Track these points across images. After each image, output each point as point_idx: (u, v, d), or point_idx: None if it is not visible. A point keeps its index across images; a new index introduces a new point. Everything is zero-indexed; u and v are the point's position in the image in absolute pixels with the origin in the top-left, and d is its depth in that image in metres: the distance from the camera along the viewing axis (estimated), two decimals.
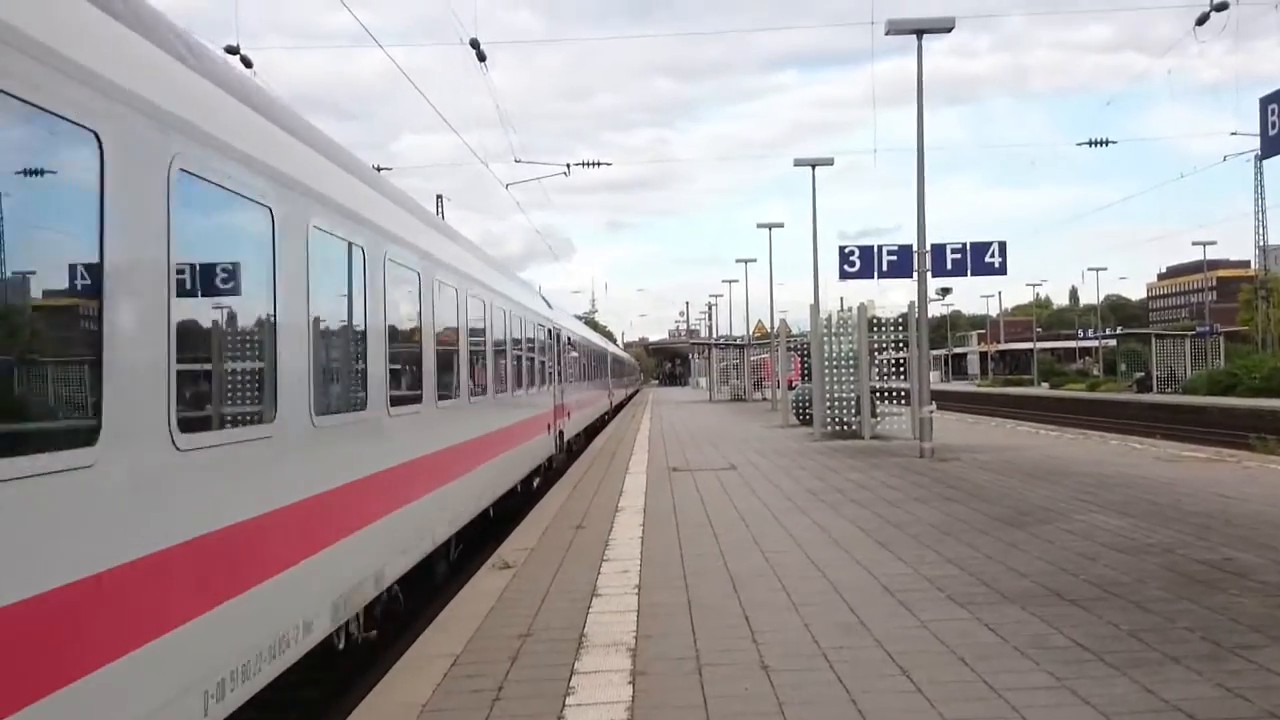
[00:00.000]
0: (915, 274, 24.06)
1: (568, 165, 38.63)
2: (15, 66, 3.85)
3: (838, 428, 29.84)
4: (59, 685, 4.06)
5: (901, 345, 29.22)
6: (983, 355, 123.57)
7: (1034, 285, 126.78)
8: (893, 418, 29.51)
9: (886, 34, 23.20)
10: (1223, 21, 26.73)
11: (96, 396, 4.44)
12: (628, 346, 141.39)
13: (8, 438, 3.91)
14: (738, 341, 76.42)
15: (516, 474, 17.25)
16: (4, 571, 3.79)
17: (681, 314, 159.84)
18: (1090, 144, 38.09)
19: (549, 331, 23.57)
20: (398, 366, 9.64)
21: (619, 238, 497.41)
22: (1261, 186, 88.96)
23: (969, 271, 24.69)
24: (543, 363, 21.82)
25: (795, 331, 46.17)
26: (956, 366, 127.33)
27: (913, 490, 17.02)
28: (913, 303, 26.38)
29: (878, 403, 29.92)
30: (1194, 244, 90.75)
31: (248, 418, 6.29)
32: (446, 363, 11.77)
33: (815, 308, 32.61)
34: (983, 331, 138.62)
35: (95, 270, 4.45)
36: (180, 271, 5.27)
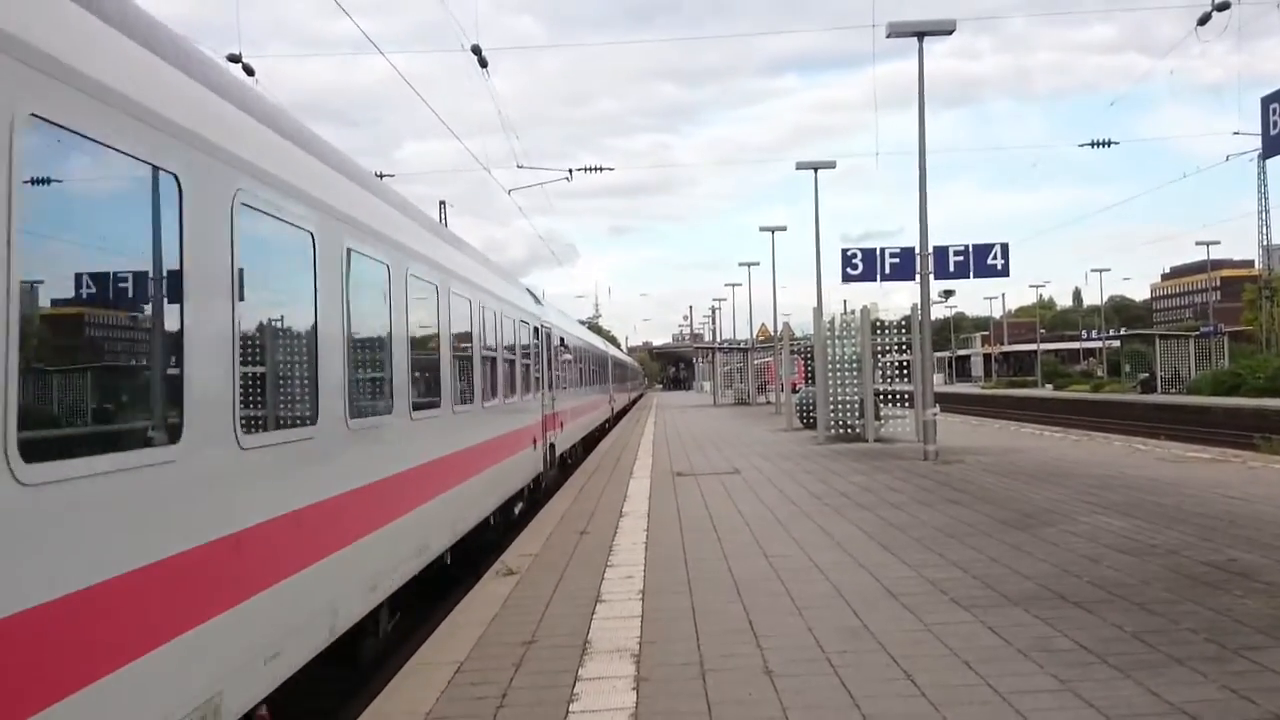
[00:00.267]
0: (918, 276, 24.05)
1: (570, 170, 38.59)
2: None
3: (842, 431, 29.82)
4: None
5: (905, 348, 29.19)
6: (986, 357, 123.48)
7: (1037, 287, 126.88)
8: (897, 420, 29.48)
9: (887, 36, 23.20)
10: (1225, 21, 26.67)
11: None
12: (631, 351, 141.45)
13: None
14: (741, 345, 76.42)
15: (487, 503, 13.93)
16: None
17: (685, 318, 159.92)
18: (1093, 145, 37.95)
19: (535, 330, 20.20)
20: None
21: (622, 242, 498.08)
22: (1265, 186, 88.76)
23: (972, 274, 24.72)
24: (526, 366, 18.34)
25: (799, 335, 46.16)
26: (960, 368, 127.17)
27: (917, 493, 17.00)
28: (916, 305, 26.37)
29: (881, 406, 29.89)
30: (1197, 244, 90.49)
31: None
32: (370, 369, 8.79)
33: (818, 311, 32.61)
34: (986, 333, 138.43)
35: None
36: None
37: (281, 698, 6.46)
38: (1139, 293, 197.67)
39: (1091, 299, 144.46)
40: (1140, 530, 12.57)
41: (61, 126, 4.21)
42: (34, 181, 4.02)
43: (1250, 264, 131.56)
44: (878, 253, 25.62)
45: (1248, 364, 56.79)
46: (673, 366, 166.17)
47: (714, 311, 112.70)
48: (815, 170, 37.36)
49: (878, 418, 29.57)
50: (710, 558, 11.79)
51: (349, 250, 7.99)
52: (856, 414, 29.75)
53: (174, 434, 5.10)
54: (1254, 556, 10.76)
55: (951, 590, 9.64)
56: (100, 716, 4.30)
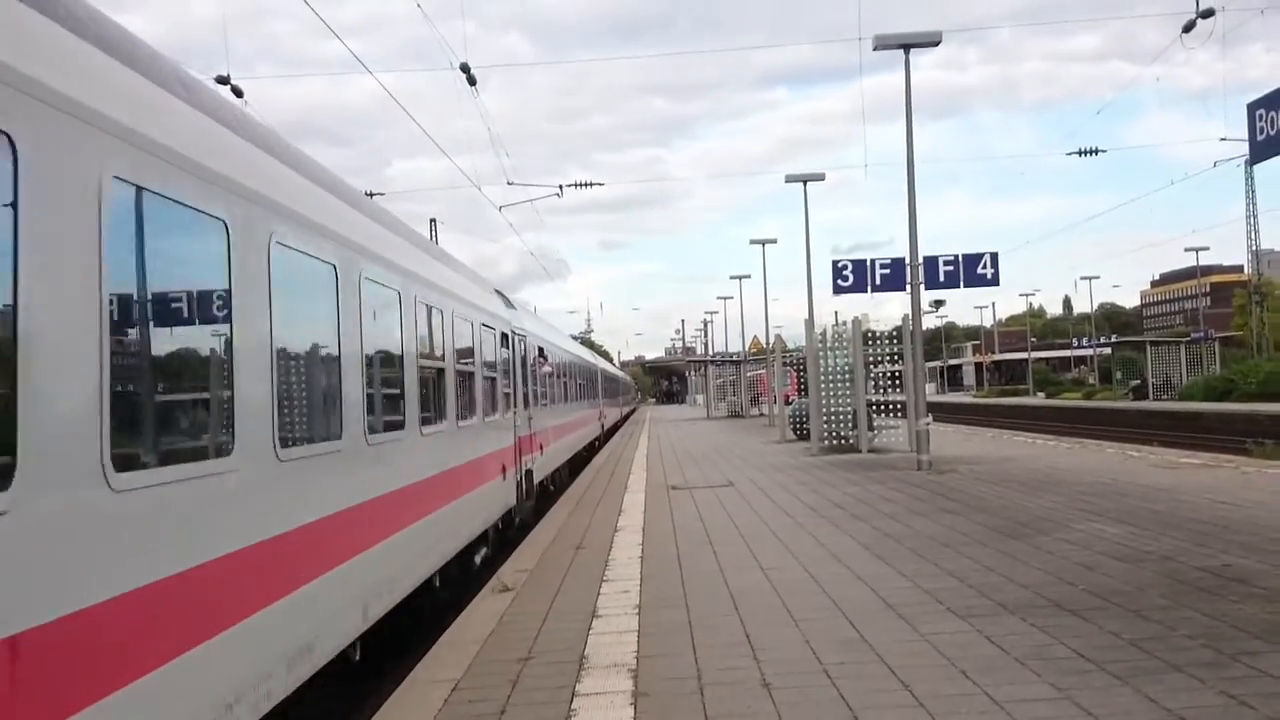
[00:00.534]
0: (909, 287, 24.11)
1: (560, 186, 38.69)
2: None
3: (835, 442, 29.83)
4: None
5: (897, 358, 29.25)
6: (978, 366, 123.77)
7: (1027, 295, 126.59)
8: (890, 431, 29.51)
9: (875, 49, 23.28)
10: (1209, 28, 26.82)
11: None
12: (624, 365, 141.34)
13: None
14: (734, 358, 76.48)
15: (423, 565, 10.50)
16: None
17: (677, 332, 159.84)
18: (1080, 153, 38.24)
19: (504, 338, 16.80)
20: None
21: (613, 257, 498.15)
22: (1252, 191, 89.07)
23: (962, 283, 24.78)
24: (491, 380, 15.01)
25: (791, 346, 46.20)
26: (952, 378, 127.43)
27: (911, 503, 17.00)
28: (907, 315, 26.42)
29: (874, 416, 29.92)
30: (1186, 250, 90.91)
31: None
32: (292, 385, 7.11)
33: (810, 322, 32.64)
34: (977, 342, 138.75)
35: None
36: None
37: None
38: (1129, 300, 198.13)
39: (1082, 306, 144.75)
40: (1135, 537, 12.58)
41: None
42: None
43: (1239, 269, 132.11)
44: (868, 264, 25.67)
45: (1239, 369, 56.93)
46: (665, 380, 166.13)
47: (706, 325, 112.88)
48: (805, 183, 37.45)
49: (871, 428, 29.60)
50: (706, 571, 11.77)
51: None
52: (850, 425, 29.77)
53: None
54: (1249, 561, 10.77)
55: (948, 600, 9.63)
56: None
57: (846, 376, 29.81)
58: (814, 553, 12.66)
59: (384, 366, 9.34)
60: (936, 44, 23.48)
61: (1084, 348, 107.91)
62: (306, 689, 6.98)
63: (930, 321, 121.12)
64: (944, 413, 55.89)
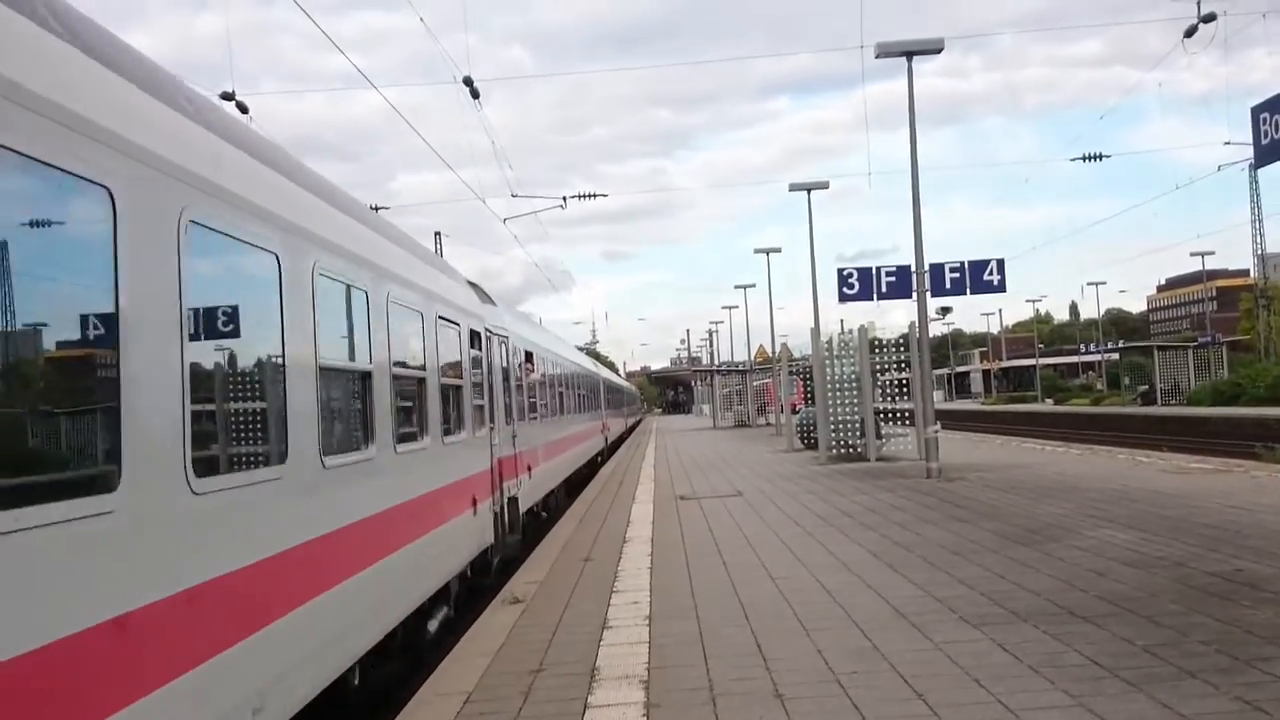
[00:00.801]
0: (914, 294, 24.10)
1: (564, 198, 38.74)
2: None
3: (843, 450, 29.78)
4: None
5: (904, 366, 29.20)
6: (985, 373, 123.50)
7: (1034, 301, 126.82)
8: (898, 439, 29.45)
9: (877, 57, 23.29)
10: (1211, 33, 26.88)
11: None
12: (630, 376, 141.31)
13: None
14: (740, 367, 76.45)
15: (347, 646, 7.74)
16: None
17: (683, 342, 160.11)
18: (1084, 159, 38.34)
19: (478, 338, 13.83)
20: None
21: (618, 268, 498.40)
22: (1257, 195, 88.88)
23: (968, 290, 24.72)
24: (454, 389, 11.93)
25: (797, 355, 46.18)
26: (960, 385, 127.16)
27: (921, 511, 16.97)
28: (913, 323, 26.39)
29: (882, 424, 29.86)
30: (1192, 254, 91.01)
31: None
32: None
33: (816, 331, 32.65)
34: (984, 349, 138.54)
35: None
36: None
37: None
38: (1136, 305, 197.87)
39: (1088, 312, 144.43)
40: (1146, 543, 12.54)
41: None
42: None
43: (1245, 273, 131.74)
44: (873, 271, 25.64)
45: (1247, 373, 56.80)
46: (671, 390, 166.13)
47: (712, 334, 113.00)
48: (809, 191, 37.50)
49: (879, 436, 29.54)
50: (716, 581, 11.75)
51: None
52: (857, 433, 29.72)
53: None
54: (1261, 566, 10.73)
55: (960, 608, 9.61)
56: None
57: (853, 385, 29.78)
58: (824, 562, 12.63)
59: (236, 372, 6.42)
60: (939, 51, 23.49)
61: (1091, 353, 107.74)
62: (319, 702, 6.97)
63: (937, 329, 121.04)
64: (952, 420, 55.80)
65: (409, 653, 9.96)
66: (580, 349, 52.50)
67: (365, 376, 8.45)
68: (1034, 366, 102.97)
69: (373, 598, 8.29)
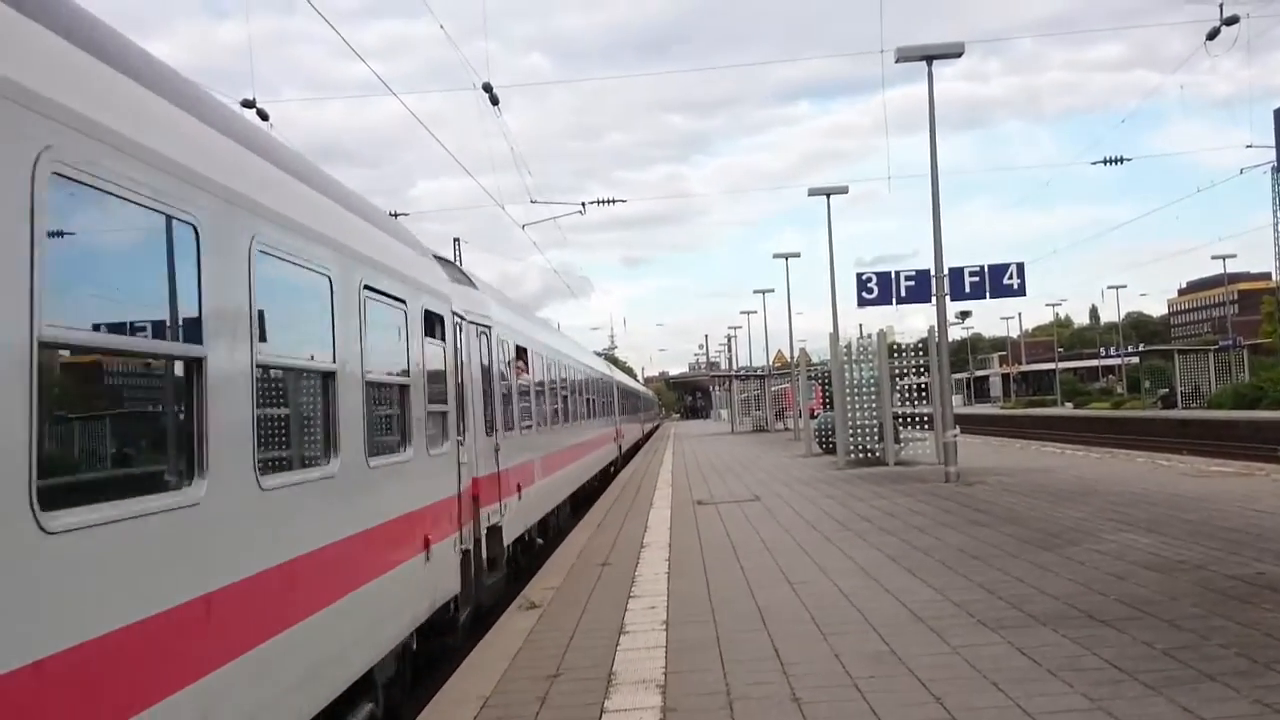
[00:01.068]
0: (934, 298, 24.02)
1: (583, 204, 38.70)
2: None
3: (862, 455, 29.72)
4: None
5: (922, 370, 29.13)
6: (1005, 377, 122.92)
7: (1053, 305, 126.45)
8: (917, 443, 29.37)
9: (897, 61, 23.31)
10: (1234, 35, 26.70)
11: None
12: (648, 381, 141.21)
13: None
14: (758, 372, 76.36)
15: None
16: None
17: (701, 347, 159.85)
18: (1105, 162, 37.93)
19: (440, 324, 10.78)
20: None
21: (636, 273, 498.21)
22: (1279, 198, 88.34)
23: (988, 294, 24.68)
24: (400, 389, 9.06)
25: (815, 360, 46.12)
26: (979, 389, 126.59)
27: (939, 515, 16.91)
28: (932, 327, 26.33)
29: (901, 428, 29.79)
30: (1213, 258, 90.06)
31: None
32: None
33: (835, 336, 32.58)
34: (1004, 353, 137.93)
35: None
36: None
37: None
38: (1156, 308, 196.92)
39: (1109, 316, 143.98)
40: (1166, 546, 12.47)
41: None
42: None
43: (1267, 276, 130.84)
44: (893, 276, 25.61)
45: (1269, 376, 56.44)
46: (690, 395, 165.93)
47: (730, 339, 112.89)
48: (828, 196, 37.40)
49: (897, 441, 29.48)
50: (733, 586, 11.74)
51: None
52: (876, 438, 29.65)
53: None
54: None
55: (978, 612, 9.57)
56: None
57: (872, 389, 29.72)
58: (842, 566, 12.60)
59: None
60: (959, 55, 23.47)
61: (1112, 357, 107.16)
62: (334, 708, 6.99)
63: (956, 333, 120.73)
64: (971, 424, 55.58)
65: None
66: (598, 354, 51.93)
67: (188, 368, 5.14)
68: (1054, 370, 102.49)
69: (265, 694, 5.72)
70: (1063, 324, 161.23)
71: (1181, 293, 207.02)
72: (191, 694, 4.81)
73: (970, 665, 7.80)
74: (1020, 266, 24.70)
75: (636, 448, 54.35)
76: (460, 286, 12.76)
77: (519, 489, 15.09)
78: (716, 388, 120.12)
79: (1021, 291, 24.84)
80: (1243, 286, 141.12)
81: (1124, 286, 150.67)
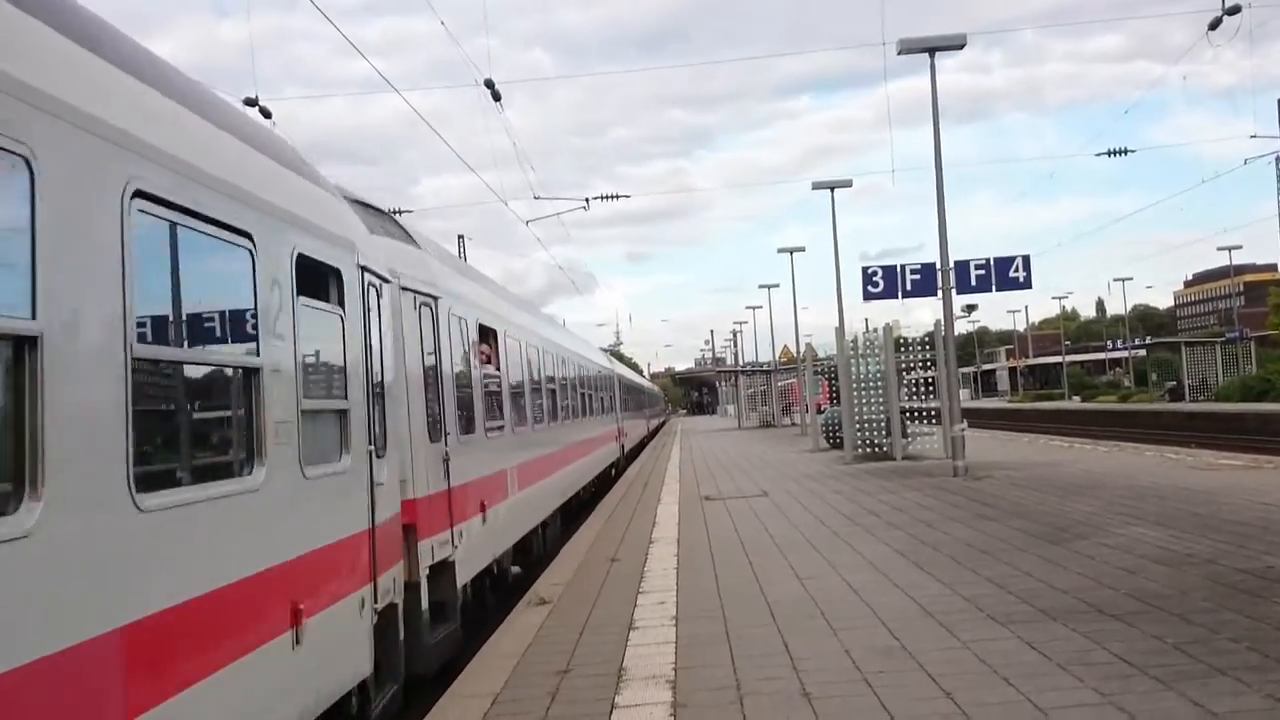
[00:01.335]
0: (940, 292, 23.99)
1: (586, 200, 38.71)
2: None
3: (869, 450, 29.69)
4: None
5: (929, 364, 29.10)
6: (1012, 371, 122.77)
7: (1060, 298, 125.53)
8: (924, 437, 29.34)
9: (899, 53, 23.28)
10: (1236, 25, 26.57)
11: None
12: (654, 377, 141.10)
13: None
14: (764, 367, 76.33)
15: None
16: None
17: (707, 342, 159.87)
18: (1109, 154, 37.75)
19: (354, 286, 7.79)
20: None
21: (641, 269, 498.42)
22: None
23: (994, 287, 24.61)
24: (239, 372, 5.89)
25: (822, 355, 46.09)
26: (986, 383, 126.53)
27: (948, 510, 16.90)
28: (939, 321, 26.33)
29: (908, 423, 29.76)
30: (1219, 249, 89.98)
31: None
32: None
33: (840, 330, 32.59)
34: (1010, 347, 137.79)
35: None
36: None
37: None
38: (1162, 301, 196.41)
39: (1115, 309, 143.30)
40: (1176, 540, 12.45)
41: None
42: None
43: (1273, 267, 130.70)
44: (898, 269, 25.55)
45: (1276, 368, 56.24)
46: (696, 391, 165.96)
47: (736, 335, 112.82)
48: (832, 190, 37.42)
49: (905, 435, 29.46)
50: (743, 581, 11.74)
51: None
52: (883, 432, 29.62)
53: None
54: None
55: (987, 606, 9.56)
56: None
57: (879, 383, 29.67)
58: (851, 561, 12.60)
59: None
60: (961, 46, 23.44)
61: (1118, 350, 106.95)
62: (343, 704, 7.00)
63: (962, 326, 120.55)
64: (978, 418, 55.53)
65: None
66: (604, 350, 51.47)
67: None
68: (1060, 364, 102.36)
69: None
70: (1069, 317, 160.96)
71: (1187, 285, 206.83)
72: None
73: (980, 660, 7.80)
74: (1026, 259, 24.63)
75: (643, 445, 52.85)
76: (385, 239, 9.61)
77: (482, 508, 11.91)
78: (723, 383, 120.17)
79: (1027, 284, 24.76)
80: (1249, 278, 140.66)
81: (1130, 279, 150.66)
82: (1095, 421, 56.43)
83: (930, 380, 29.09)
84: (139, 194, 4.61)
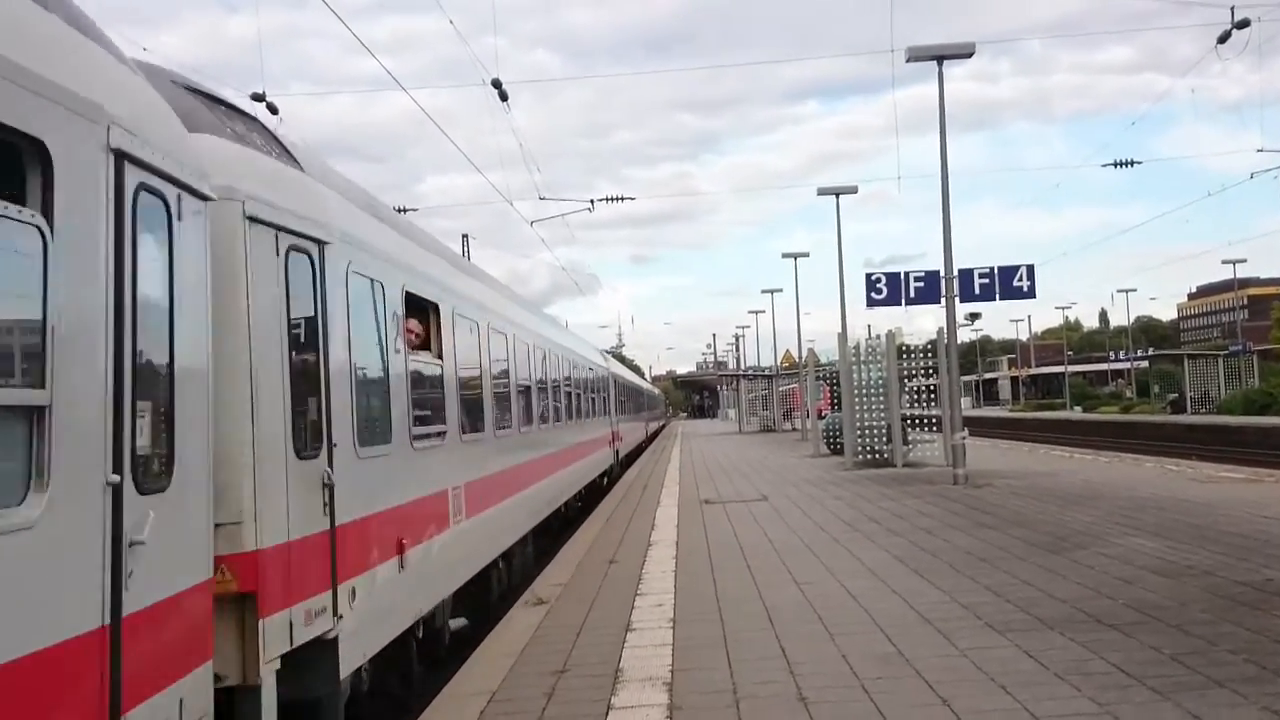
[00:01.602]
0: (943, 299, 23.99)
1: (591, 201, 38.74)
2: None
3: (869, 456, 29.68)
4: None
5: (931, 372, 29.08)
6: (1014, 380, 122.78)
7: (1063, 308, 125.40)
8: (925, 445, 29.34)
9: (907, 61, 23.27)
10: (1245, 39, 26.56)
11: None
12: (656, 380, 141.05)
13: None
14: (766, 372, 76.29)
15: None
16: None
17: (709, 346, 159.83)
18: (1115, 165, 37.74)
19: (157, 193, 4.92)
20: None
21: (644, 271, 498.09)
22: None
23: (997, 296, 24.59)
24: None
25: (824, 361, 46.05)
26: (988, 392, 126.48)
27: (947, 518, 16.89)
28: (942, 329, 26.29)
29: (909, 430, 29.75)
30: (1224, 262, 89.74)
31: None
32: None
33: (843, 336, 32.53)
34: (1013, 356, 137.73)
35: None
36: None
37: None
38: (1166, 313, 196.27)
39: (1118, 320, 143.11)
40: (1175, 551, 12.44)
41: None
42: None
43: (1277, 281, 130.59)
44: (902, 276, 25.54)
45: (1279, 382, 56.23)
46: (697, 394, 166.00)
47: (738, 339, 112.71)
48: (837, 195, 37.37)
49: (906, 442, 29.45)
50: (741, 585, 11.74)
51: None
52: (884, 439, 29.61)
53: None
54: None
55: (985, 614, 9.56)
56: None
57: (880, 390, 29.66)
58: (849, 567, 12.59)
59: None
60: (970, 55, 23.45)
61: (1121, 361, 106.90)
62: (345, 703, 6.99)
63: (965, 335, 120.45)
64: (980, 427, 55.43)
65: None
66: (606, 352, 50.90)
67: None
68: (1063, 374, 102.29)
69: None
70: (1072, 327, 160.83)
71: (1191, 297, 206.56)
72: None
73: (978, 668, 7.80)
74: (1030, 269, 24.62)
75: (638, 451, 49.20)
76: (227, 144, 6.67)
77: (400, 549, 8.74)
78: (724, 387, 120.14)
79: (1031, 294, 24.76)
80: (1253, 291, 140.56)
81: (1134, 290, 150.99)
82: (1096, 432, 56.36)
83: (932, 388, 29.09)
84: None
